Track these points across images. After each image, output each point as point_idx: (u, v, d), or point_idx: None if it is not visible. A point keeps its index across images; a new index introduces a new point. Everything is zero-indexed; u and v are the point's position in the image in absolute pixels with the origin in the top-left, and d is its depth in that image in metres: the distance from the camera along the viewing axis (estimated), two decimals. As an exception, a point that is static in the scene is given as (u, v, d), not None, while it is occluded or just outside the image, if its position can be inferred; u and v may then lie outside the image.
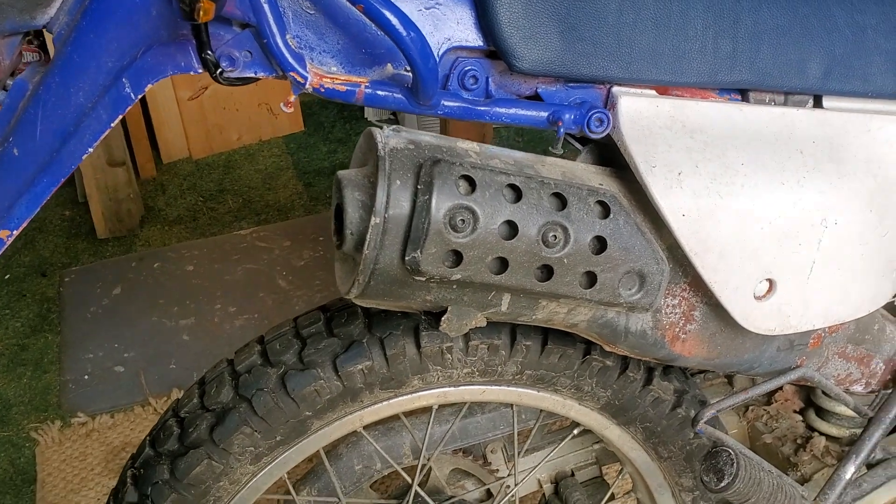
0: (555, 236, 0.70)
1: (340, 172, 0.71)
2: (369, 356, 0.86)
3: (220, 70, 0.67)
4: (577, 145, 0.78)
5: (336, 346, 0.87)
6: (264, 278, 2.28)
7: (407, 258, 0.67)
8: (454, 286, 0.71)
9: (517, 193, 0.69)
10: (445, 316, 0.73)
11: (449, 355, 0.87)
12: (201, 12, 0.56)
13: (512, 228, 0.69)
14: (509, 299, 0.73)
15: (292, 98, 0.68)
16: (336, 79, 0.68)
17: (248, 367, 0.89)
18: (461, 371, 0.89)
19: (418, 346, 0.86)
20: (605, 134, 0.74)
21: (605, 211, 0.72)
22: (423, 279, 0.69)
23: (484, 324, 0.75)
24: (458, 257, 0.68)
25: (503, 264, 0.70)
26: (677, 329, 0.81)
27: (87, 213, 2.43)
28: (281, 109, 0.63)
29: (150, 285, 2.27)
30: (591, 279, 0.72)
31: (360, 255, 0.68)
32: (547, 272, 0.71)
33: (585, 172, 0.76)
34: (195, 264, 2.35)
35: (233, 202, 2.59)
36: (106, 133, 0.69)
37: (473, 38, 0.71)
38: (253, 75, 0.69)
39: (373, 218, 0.67)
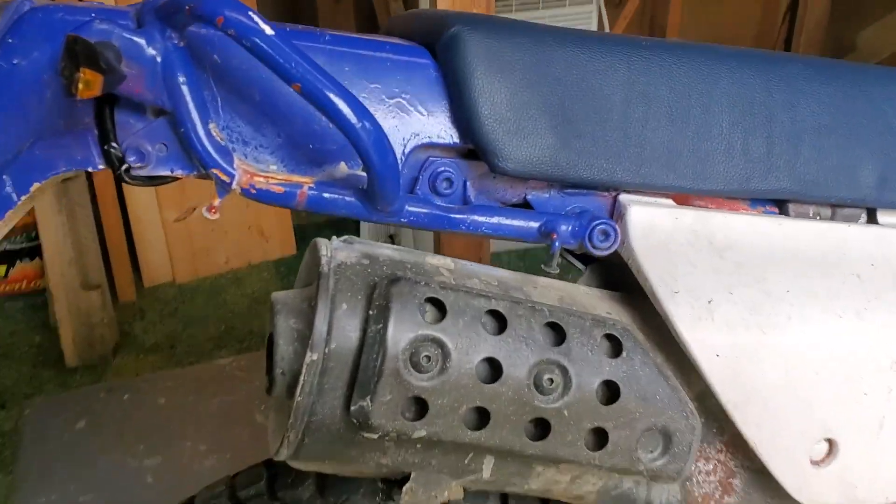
0: (551, 379, 0.54)
1: (275, 294, 0.56)
2: (320, 529, 0.68)
3: (125, 166, 0.53)
4: (579, 264, 0.64)
5: (279, 515, 0.69)
6: (241, 411, 2.11)
7: (353, 408, 0.51)
8: (418, 446, 0.54)
9: (501, 322, 0.54)
10: (407, 485, 0.56)
11: (422, 527, 0.69)
12: (80, 85, 0.42)
13: (494, 368, 0.53)
14: (493, 463, 0.56)
15: (216, 202, 0.54)
16: (271, 178, 0.54)
17: (168, 541, 0.70)
18: (438, 548, 0.70)
19: (383, 515, 0.68)
20: (611, 250, 0.59)
21: (617, 348, 0.56)
22: (376, 436, 0.52)
23: (461, 496, 0.58)
24: (422, 407, 0.52)
25: (483, 417, 0.54)
26: (713, 502, 0.63)
27: (58, 339, 2.29)
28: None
29: (117, 419, 2.11)
30: (601, 438, 0.56)
31: (293, 403, 0.52)
32: (542, 428, 0.55)
33: (589, 297, 0.61)
34: (167, 396, 2.19)
35: (214, 329, 2.45)
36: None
37: (447, 134, 0.58)
38: (169, 173, 0.55)
39: (308, 353, 0.51)
